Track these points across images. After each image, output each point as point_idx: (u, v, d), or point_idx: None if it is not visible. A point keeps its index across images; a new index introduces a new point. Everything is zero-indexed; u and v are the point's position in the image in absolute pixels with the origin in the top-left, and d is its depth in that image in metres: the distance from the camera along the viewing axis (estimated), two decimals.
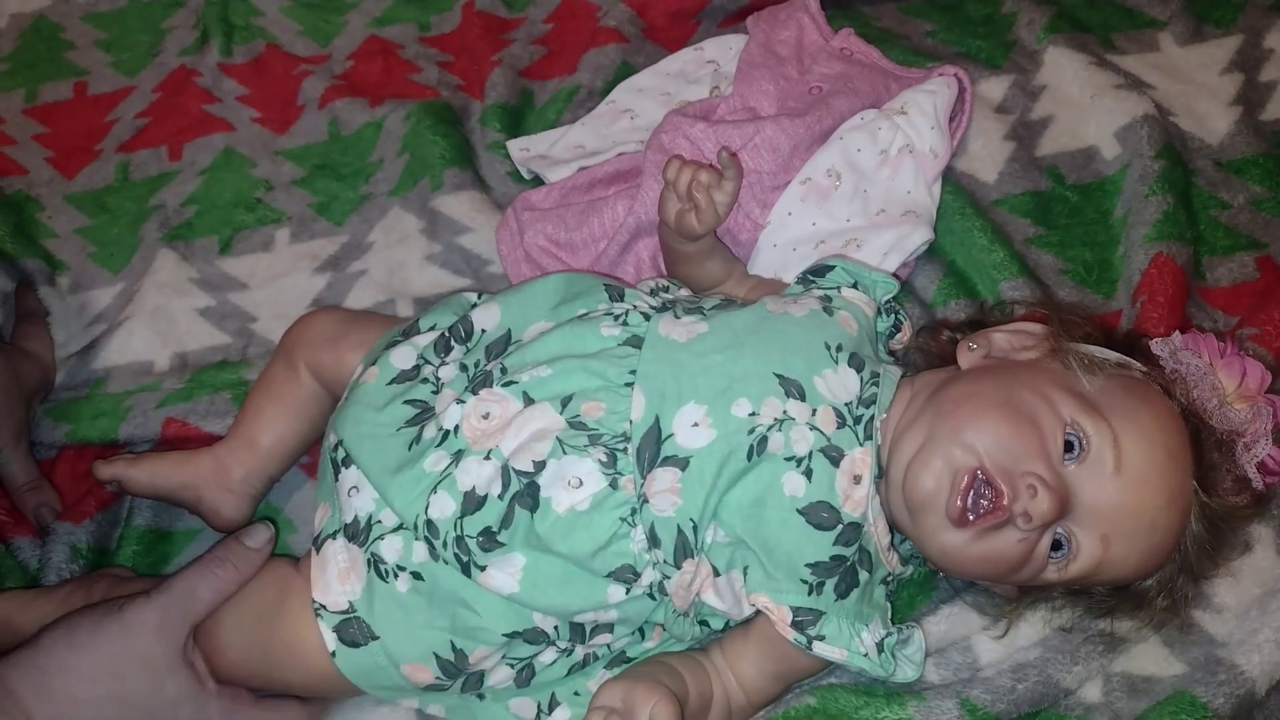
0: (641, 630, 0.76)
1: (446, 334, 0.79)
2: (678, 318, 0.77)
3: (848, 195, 0.96)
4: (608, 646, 0.75)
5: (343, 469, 0.75)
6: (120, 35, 1.25)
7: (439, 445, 0.73)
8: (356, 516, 0.74)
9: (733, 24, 1.18)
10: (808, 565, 0.69)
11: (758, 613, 0.71)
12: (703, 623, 0.75)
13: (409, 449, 0.74)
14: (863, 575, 0.71)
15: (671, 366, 0.72)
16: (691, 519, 0.69)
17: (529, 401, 0.72)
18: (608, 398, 0.72)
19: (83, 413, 0.92)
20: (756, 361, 0.73)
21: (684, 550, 0.70)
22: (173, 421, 0.91)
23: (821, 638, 0.70)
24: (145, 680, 0.68)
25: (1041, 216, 1.02)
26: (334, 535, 0.74)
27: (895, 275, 0.87)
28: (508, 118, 1.13)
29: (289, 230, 1.06)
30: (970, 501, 0.69)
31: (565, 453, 0.70)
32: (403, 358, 0.78)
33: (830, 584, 0.70)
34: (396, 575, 0.72)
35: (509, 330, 0.79)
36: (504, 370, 0.75)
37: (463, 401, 0.74)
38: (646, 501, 0.69)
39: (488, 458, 0.71)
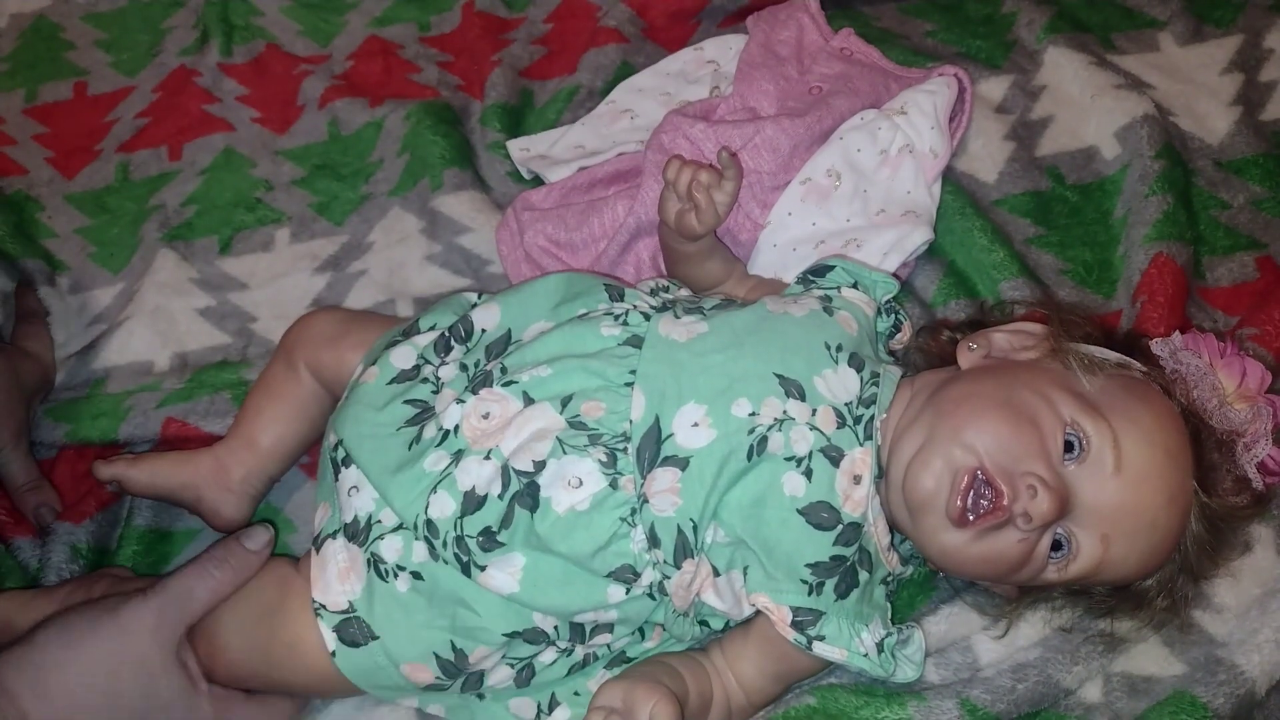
0: (641, 630, 0.76)
1: (447, 334, 0.79)
2: (678, 317, 0.77)
3: (848, 195, 0.96)
4: (608, 646, 0.75)
5: (343, 469, 0.75)
6: (120, 35, 1.25)
7: (439, 445, 0.73)
8: (356, 516, 0.74)
9: (733, 24, 1.18)
10: (808, 565, 0.69)
11: (758, 613, 0.71)
12: (703, 623, 0.75)
13: (409, 449, 0.73)
14: (863, 575, 0.71)
15: (672, 366, 0.72)
16: (691, 519, 0.69)
17: (529, 401, 0.72)
18: (608, 397, 0.72)
19: (83, 413, 0.92)
20: (756, 361, 0.73)
21: (684, 550, 0.70)
22: (173, 421, 0.91)
23: (821, 638, 0.70)
24: (138, 680, 0.68)
25: (1041, 216, 1.02)
26: (334, 535, 0.74)
27: (895, 275, 0.87)
28: (508, 118, 1.13)
29: (289, 230, 1.06)
30: (970, 501, 0.69)
31: (565, 452, 0.70)
32: (403, 357, 0.78)
33: (830, 584, 0.70)
34: (396, 575, 0.72)
35: (509, 330, 0.79)
36: (504, 370, 0.75)
37: (463, 401, 0.74)
38: (646, 501, 0.69)
39: (488, 457, 0.71)
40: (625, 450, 0.70)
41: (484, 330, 0.79)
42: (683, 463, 0.69)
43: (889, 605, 0.74)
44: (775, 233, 0.96)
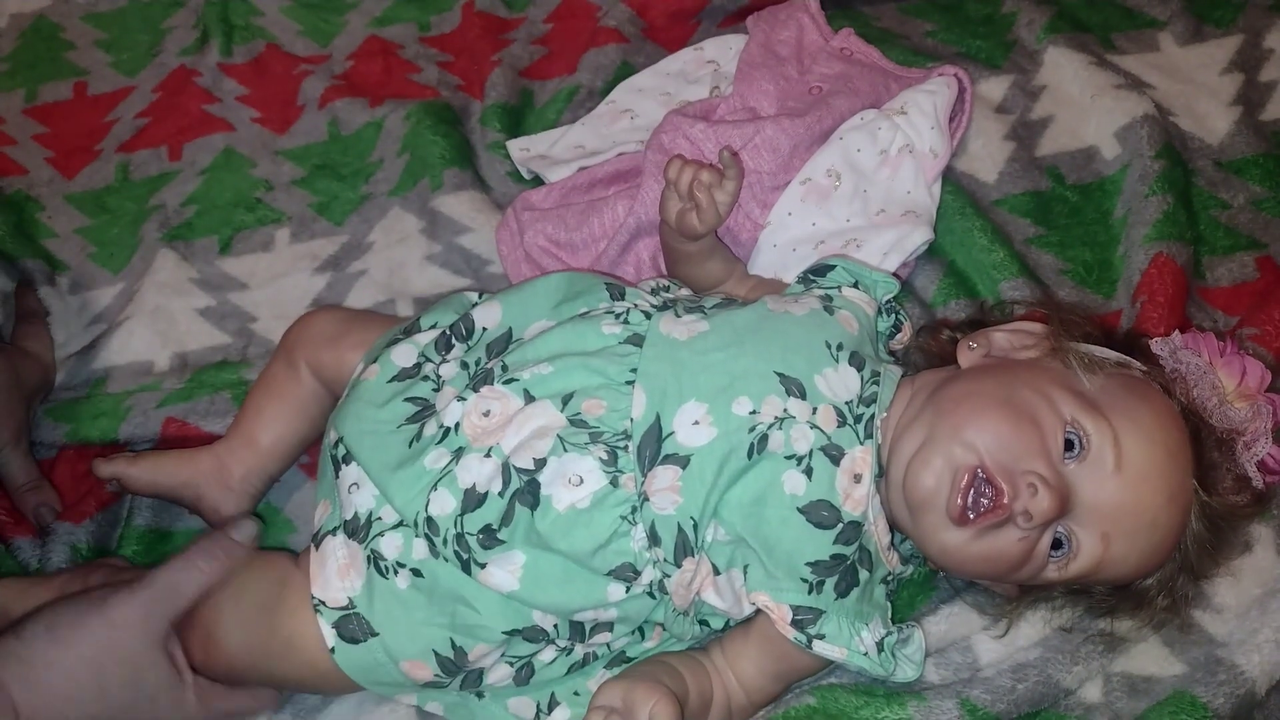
0: (641, 630, 0.76)
1: (448, 332, 0.79)
2: (679, 316, 0.77)
3: (848, 195, 0.96)
4: (607, 646, 0.75)
5: (343, 466, 0.75)
6: (120, 35, 1.25)
7: (439, 442, 0.73)
8: (356, 513, 0.73)
9: (733, 24, 1.18)
10: (808, 564, 0.69)
11: (758, 612, 0.71)
12: (703, 622, 0.75)
13: (409, 446, 0.73)
14: (863, 574, 0.71)
15: (672, 364, 0.72)
16: (692, 517, 0.69)
17: (530, 399, 0.72)
18: (609, 395, 0.72)
19: (83, 413, 0.92)
20: (757, 360, 0.73)
21: (684, 548, 0.69)
22: (173, 421, 0.91)
23: (821, 636, 0.70)
24: (125, 674, 0.69)
25: (1041, 216, 1.02)
26: (334, 532, 0.74)
27: (895, 275, 0.87)
28: (508, 118, 1.13)
29: (289, 230, 1.06)
30: (970, 500, 0.68)
31: (566, 450, 0.70)
32: (404, 355, 0.78)
33: (830, 583, 0.70)
34: (396, 572, 0.72)
35: (510, 328, 0.79)
36: (505, 368, 0.75)
37: (463, 399, 0.74)
38: (647, 499, 0.69)
39: (488, 455, 0.71)
40: (626, 448, 0.70)
41: (485, 328, 0.79)
42: (683, 461, 0.69)
43: (889, 604, 0.74)
44: (775, 233, 0.96)
